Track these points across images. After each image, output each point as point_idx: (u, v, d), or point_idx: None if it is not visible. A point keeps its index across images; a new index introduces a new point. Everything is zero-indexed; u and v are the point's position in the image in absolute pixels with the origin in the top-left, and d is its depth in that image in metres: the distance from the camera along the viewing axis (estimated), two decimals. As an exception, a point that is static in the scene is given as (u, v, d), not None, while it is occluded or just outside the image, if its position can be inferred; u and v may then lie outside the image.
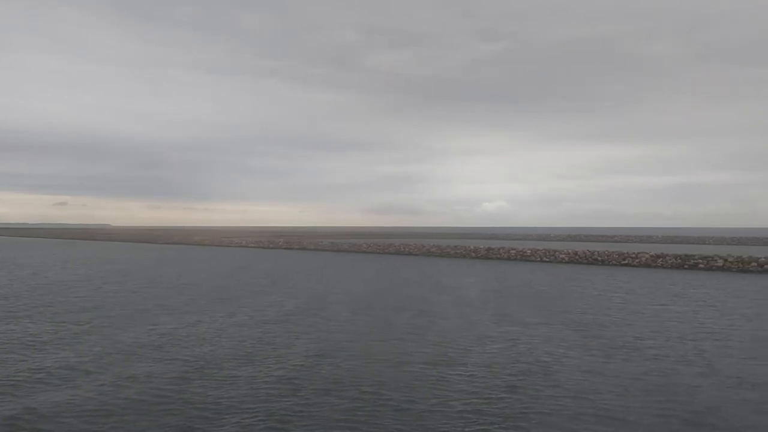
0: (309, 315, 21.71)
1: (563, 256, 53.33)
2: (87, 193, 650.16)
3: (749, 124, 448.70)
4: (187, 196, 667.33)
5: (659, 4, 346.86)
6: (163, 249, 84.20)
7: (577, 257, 52.45)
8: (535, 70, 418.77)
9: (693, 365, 14.18)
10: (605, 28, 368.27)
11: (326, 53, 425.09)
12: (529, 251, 56.61)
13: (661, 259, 47.66)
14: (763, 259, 43.05)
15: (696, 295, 28.52)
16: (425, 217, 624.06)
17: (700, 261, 45.44)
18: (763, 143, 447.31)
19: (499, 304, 24.81)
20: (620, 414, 10.58)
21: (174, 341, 16.68)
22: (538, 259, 54.64)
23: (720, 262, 44.44)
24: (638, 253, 49.93)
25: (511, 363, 14.30)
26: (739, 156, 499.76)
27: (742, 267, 43.12)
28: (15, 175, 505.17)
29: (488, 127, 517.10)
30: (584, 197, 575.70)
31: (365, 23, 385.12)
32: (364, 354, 15.21)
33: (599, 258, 51.04)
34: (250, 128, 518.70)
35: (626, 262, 49.18)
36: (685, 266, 45.73)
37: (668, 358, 14.92)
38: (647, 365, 14.11)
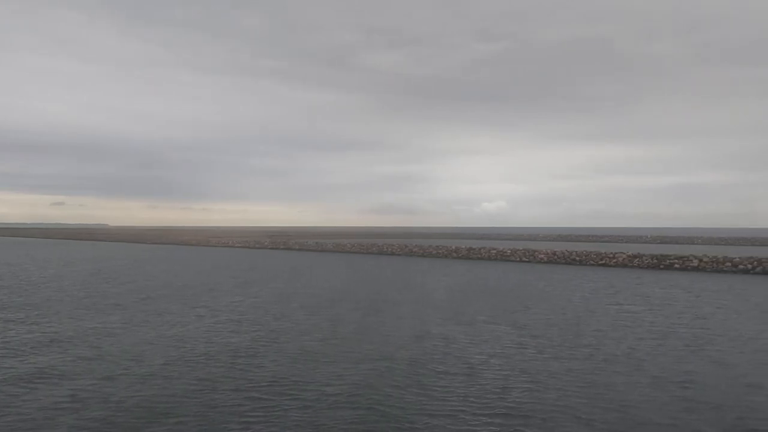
0: (261, 314, 21.67)
1: (542, 256, 53.35)
2: (85, 193, 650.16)
3: (749, 124, 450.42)
4: (186, 196, 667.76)
5: (658, 5, 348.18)
6: (151, 249, 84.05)
7: (555, 257, 52.48)
8: (535, 70, 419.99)
9: (618, 363, 14.18)
10: (604, 28, 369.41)
11: (326, 53, 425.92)
12: (509, 251, 56.64)
13: (637, 259, 47.72)
14: (737, 259, 43.14)
15: (659, 295, 28.55)
16: (425, 217, 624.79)
17: (676, 261, 45.50)
18: (763, 143, 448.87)
19: (456, 304, 24.80)
20: (527, 411, 10.58)
21: (84, 337, 16.74)
22: (518, 259, 54.65)
23: (695, 263, 44.50)
24: (615, 253, 49.99)
25: (435, 362, 14.29)
26: (739, 156, 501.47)
27: (717, 267, 43.18)
28: (14, 175, 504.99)
29: (488, 127, 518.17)
30: (584, 197, 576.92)
31: (365, 23, 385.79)
32: (295, 353, 15.18)
33: (577, 258, 51.08)
34: (249, 128, 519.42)
35: (603, 262, 49.22)
36: (661, 266, 45.79)
37: (596, 357, 14.92)
38: (572, 364, 14.11)
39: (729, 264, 42.97)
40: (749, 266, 41.97)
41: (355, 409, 10.67)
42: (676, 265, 45.08)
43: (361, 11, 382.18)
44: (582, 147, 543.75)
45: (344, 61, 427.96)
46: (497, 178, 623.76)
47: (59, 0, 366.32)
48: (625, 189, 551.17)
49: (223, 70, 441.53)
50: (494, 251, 57.83)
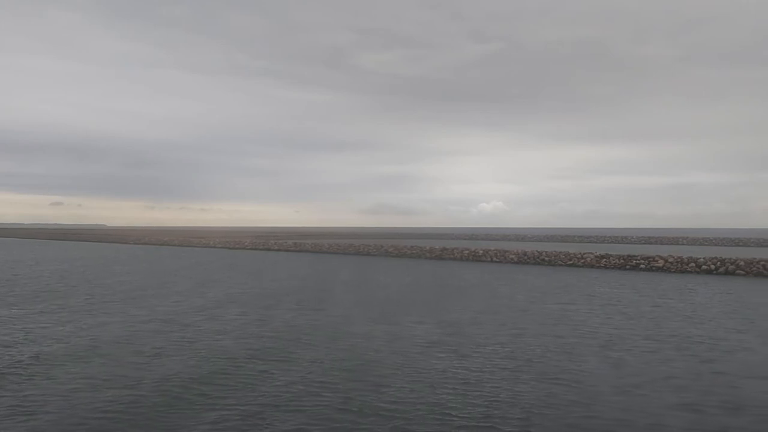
0: (195, 315, 21.58)
1: (513, 256, 53.38)
2: (83, 193, 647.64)
3: (742, 124, 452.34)
4: (183, 196, 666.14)
5: (650, 6, 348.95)
6: (130, 249, 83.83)
7: (526, 257, 52.51)
8: (528, 70, 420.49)
9: (516, 360, 14.17)
10: (597, 29, 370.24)
11: (318, 54, 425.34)
12: (481, 251, 56.65)
13: (605, 260, 47.79)
14: (701, 259, 43.23)
15: (606, 294, 28.57)
16: (421, 218, 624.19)
17: (642, 262, 45.58)
18: (755, 143, 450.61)
19: (397, 303, 24.77)
20: (405, 407, 10.55)
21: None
22: (489, 259, 54.67)
23: (660, 263, 44.57)
24: (584, 253, 50.04)
25: (330, 360, 14.24)
26: (732, 156, 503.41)
27: (681, 268, 43.25)
28: (12, 175, 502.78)
29: (482, 127, 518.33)
30: (579, 198, 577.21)
31: (357, 24, 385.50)
32: (200, 352, 15.15)
33: (546, 258, 51.11)
34: (245, 128, 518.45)
35: (572, 262, 49.27)
36: (627, 267, 45.87)
37: (499, 354, 14.90)
38: (471, 362, 14.08)
39: (693, 264, 43.06)
40: (712, 266, 42.05)
41: (218, 410, 10.62)
42: (642, 266, 45.15)
43: (354, 12, 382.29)
44: (577, 147, 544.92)
45: (338, 62, 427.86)
46: (493, 178, 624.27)
47: (56, 1, 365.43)
48: (620, 189, 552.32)
49: (218, 70, 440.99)
50: (466, 251, 57.83)
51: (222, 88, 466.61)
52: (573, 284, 33.51)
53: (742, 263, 41.15)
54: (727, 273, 40.93)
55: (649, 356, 14.95)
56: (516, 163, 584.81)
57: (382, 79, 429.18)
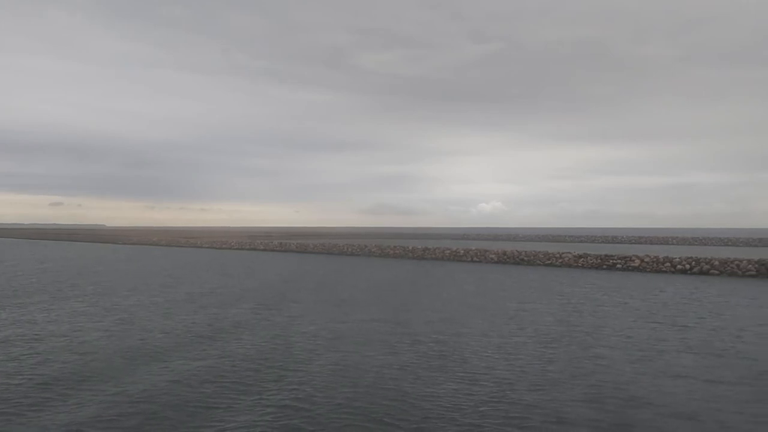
0: (151, 313, 21.56)
1: (493, 256, 53.41)
2: (83, 193, 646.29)
3: (741, 124, 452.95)
4: (182, 196, 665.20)
5: (650, 6, 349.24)
6: (119, 249, 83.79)
7: (505, 257, 52.55)
8: (528, 70, 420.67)
9: (443, 358, 14.15)
10: (595, 29, 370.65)
11: (318, 54, 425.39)
12: (462, 251, 56.67)
13: (582, 259, 47.84)
14: (677, 259, 43.26)
15: (572, 293, 28.55)
16: (420, 218, 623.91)
17: (618, 261, 45.64)
18: (755, 143, 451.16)
19: (355, 303, 24.70)
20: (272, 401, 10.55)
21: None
22: (469, 259, 54.69)
23: (637, 262, 44.63)
24: (562, 253, 50.08)
25: (261, 359, 14.24)
26: (732, 156, 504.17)
27: (656, 267, 43.31)
28: (11, 175, 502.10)
29: (482, 127, 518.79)
30: (579, 197, 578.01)
31: (357, 24, 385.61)
32: (131, 350, 15.14)
33: (525, 258, 51.15)
34: (245, 128, 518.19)
35: (550, 262, 49.31)
36: (604, 266, 45.93)
37: (428, 353, 14.88)
38: (396, 358, 14.06)
39: (668, 264, 43.11)
40: (687, 266, 42.09)
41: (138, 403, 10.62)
42: (618, 266, 45.21)
43: (354, 12, 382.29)
44: (577, 147, 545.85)
45: (338, 62, 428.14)
46: (493, 178, 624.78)
47: (51, 1, 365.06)
48: (620, 189, 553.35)
49: (218, 70, 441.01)
50: (448, 251, 57.85)
51: (222, 88, 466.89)
52: (542, 284, 33.53)
53: (716, 263, 41.20)
54: (701, 273, 40.99)
55: (581, 352, 14.95)
56: (516, 163, 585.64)
57: (382, 79, 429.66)
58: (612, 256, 46.76)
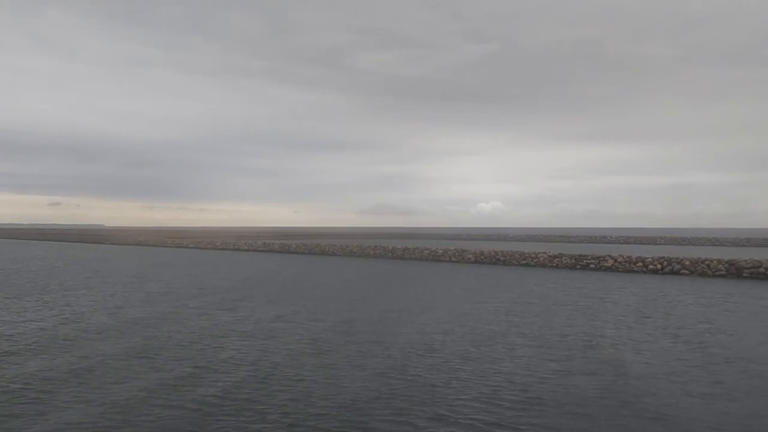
0: (95, 310, 21.53)
1: (470, 256, 53.43)
2: (82, 193, 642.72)
3: (741, 124, 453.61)
4: (181, 196, 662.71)
5: (648, 6, 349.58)
6: (102, 249, 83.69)
7: (482, 257, 52.58)
8: (527, 71, 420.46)
9: (365, 358, 14.16)
10: (595, 29, 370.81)
11: (318, 54, 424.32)
12: (440, 251, 56.69)
13: (557, 259, 47.89)
14: (649, 259, 43.34)
15: (534, 293, 28.57)
16: (420, 218, 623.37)
17: (592, 261, 45.69)
18: (755, 143, 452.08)
19: (312, 302, 24.68)
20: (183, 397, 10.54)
21: None
22: (448, 259, 54.71)
23: (610, 262, 44.69)
24: (538, 253, 50.12)
25: (190, 357, 14.23)
26: (732, 156, 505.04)
27: (628, 267, 43.37)
28: (11, 175, 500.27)
29: (481, 127, 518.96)
30: (579, 197, 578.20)
31: (356, 24, 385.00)
32: (61, 346, 15.12)
33: (502, 258, 51.18)
34: (244, 128, 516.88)
35: (525, 262, 49.35)
36: (578, 266, 45.99)
37: (353, 352, 14.90)
38: (308, 359, 14.07)
39: (640, 264, 43.18)
40: (659, 266, 42.17)
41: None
42: (592, 265, 45.26)
43: (352, 12, 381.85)
44: (576, 147, 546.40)
45: (338, 62, 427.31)
46: (492, 178, 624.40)
47: (50, 1, 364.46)
48: (620, 189, 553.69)
49: (217, 70, 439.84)
50: (427, 251, 57.87)
51: (222, 89, 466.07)
52: (508, 283, 33.57)
53: (687, 263, 41.28)
54: (672, 272, 41.05)
55: (504, 352, 14.96)
56: (516, 163, 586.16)
57: (381, 79, 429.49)
58: (586, 256, 46.82)
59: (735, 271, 38.93)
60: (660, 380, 12.44)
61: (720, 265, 39.81)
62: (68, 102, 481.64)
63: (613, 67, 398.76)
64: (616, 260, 44.71)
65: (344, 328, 18.27)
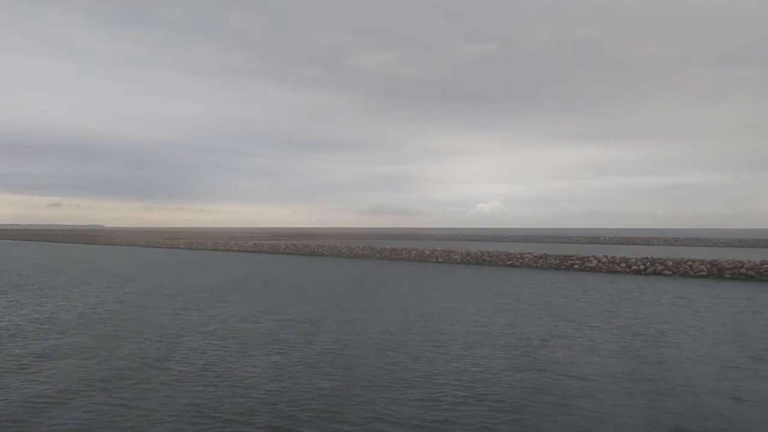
0: (66, 310, 21.60)
1: (456, 256, 53.53)
2: (82, 193, 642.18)
3: (740, 124, 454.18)
4: (181, 197, 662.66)
5: (648, 6, 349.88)
6: (92, 249, 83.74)
7: (468, 257, 52.67)
8: (526, 71, 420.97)
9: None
10: (594, 29, 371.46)
11: (316, 54, 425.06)
12: (427, 252, 56.79)
13: (542, 260, 47.99)
14: (632, 260, 43.45)
15: (509, 294, 28.66)
16: (420, 218, 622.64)
17: (576, 262, 45.80)
18: (755, 143, 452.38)
19: (281, 302, 24.77)
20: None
21: None
22: (434, 259, 54.80)
23: (594, 263, 44.80)
24: (523, 253, 50.22)
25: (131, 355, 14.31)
26: (732, 156, 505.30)
27: (612, 268, 43.48)
28: (10, 176, 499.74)
29: (480, 127, 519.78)
30: (578, 198, 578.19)
31: (356, 25, 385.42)
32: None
33: (488, 258, 51.28)
34: (243, 129, 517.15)
35: (511, 262, 49.45)
36: (562, 267, 46.10)
37: (298, 351, 14.97)
38: (253, 360, 14.16)
39: (624, 265, 43.28)
40: (642, 267, 42.27)
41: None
42: (576, 266, 45.37)
43: (351, 12, 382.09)
44: (576, 147, 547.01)
45: (337, 62, 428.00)
46: (492, 178, 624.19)
47: (49, 2, 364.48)
48: (619, 190, 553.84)
49: (217, 71, 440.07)
50: (414, 252, 57.97)
51: (221, 89, 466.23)
52: (488, 284, 33.65)
53: (670, 263, 41.39)
54: (655, 273, 41.15)
55: (462, 352, 15.03)
56: (515, 163, 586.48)
57: (381, 79, 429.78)
58: (570, 256, 46.93)
59: (717, 272, 39.03)
60: (603, 379, 12.52)
61: (702, 266, 39.91)
62: (68, 102, 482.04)
63: (613, 67, 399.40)
64: (600, 261, 44.82)
65: (308, 329, 18.34)
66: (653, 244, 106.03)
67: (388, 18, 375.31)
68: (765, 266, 37.56)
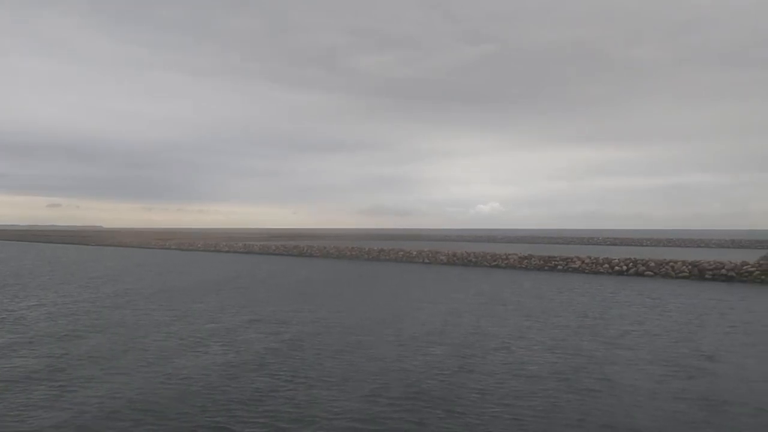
0: (37, 311, 21.69)
1: (443, 257, 53.64)
2: (81, 194, 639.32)
3: (740, 125, 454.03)
4: (180, 197, 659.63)
5: (645, 7, 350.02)
6: (84, 250, 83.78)
7: (455, 258, 52.78)
8: (523, 72, 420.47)
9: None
10: (593, 30, 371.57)
11: (316, 55, 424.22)
12: (414, 253, 56.89)
13: (527, 261, 48.10)
14: (615, 260, 43.57)
15: (490, 293, 28.76)
16: (419, 219, 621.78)
17: (560, 262, 45.91)
18: (755, 144, 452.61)
19: (251, 304, 24.85)
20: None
21: None
22: (421, 260, 54.90)
23: (577, 263, 44.92)
24: (508, 254, 50.35)
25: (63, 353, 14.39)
26: (732, 156, 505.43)
27: (595, 268, 43.60)
28: (10, 176, 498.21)
29: (478, 128, 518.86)
30: (577, 198, 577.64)
31: (354, 26, 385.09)
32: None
33: (473, 259, 51.39)
34: (243, 130, 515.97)
35: (496, 263, 49.55)
36: (546, 267, 46.19)
37: (247, 348, 15.09)
38: (195, 358, 14.26)
39: (607, 265, 43.40)
40: (624, 267, 42.40)
41: None
42: (559, 267, 45.48)
43: (348, 13, 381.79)
44: (575, 148, 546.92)
45: (336, 63, 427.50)
46: (491, 179, 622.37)
47: (49, 2, 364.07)
48: (618, 190, 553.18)
49: (217, 72, 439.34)
50: (401, 252, 58.08)
51: (221, 89, 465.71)
52: (469, 284, 33.74)
53: (652, 264, 41.52)
54: (637, 274, 41.27)
55: (418, 351, 15.14)
56: (514, 164, 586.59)
57: (379, 80, 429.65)
58: (554, 257, 47.04)
59: (698, 273, 39.13)
60: (550, 378, 12.63)
61: (684, 267, 40.03)
62: (68, 102, 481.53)
63: (613, 67, 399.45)
64: (583, 261, 44.94)
65: (272, 329, 18.44)
66: (646, 245, 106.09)
67: (387, 19, 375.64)
68: (745, 267, 37.73)
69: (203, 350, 15.15)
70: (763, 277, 36.41)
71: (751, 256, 50.02)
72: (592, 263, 44.26)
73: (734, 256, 49.83)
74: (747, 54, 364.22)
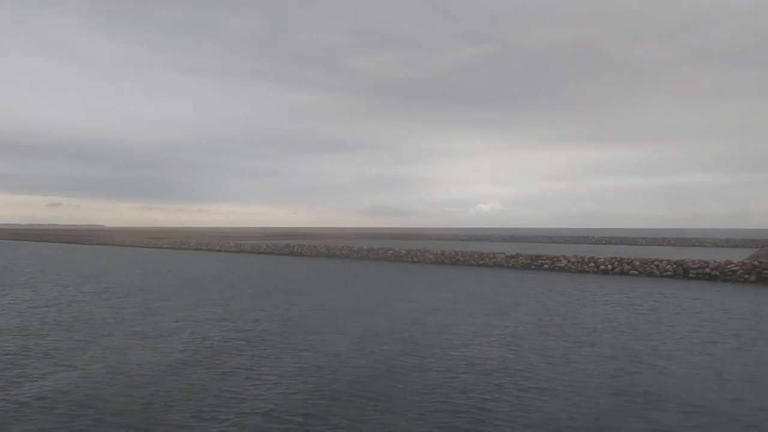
0: (9, 308, 21.74)
1: (431, 256, 53.67)
2: (82, 194, 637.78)
3: (740, 125, 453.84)
4: (180, 197, 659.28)
5: (645, 8, 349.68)
6: (76, 249, 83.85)
7: (443, 257, 52.80)
8: (523, 72, 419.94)
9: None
10: (593, 30, 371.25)
11: (316, 55, 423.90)
12: (403, 252, 56.93)
13: (513, 260, 48.13)
14: (601, 259, 43.59)
15: (471, 292, 28.81)
16: (419, 219, 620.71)
17: (546, 261, 45.94)
18: (755, 144, 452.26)
19: (224, 302, 24.90)
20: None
21: None
22: (409, 259, 54.93)
23: (563, 263, 44.94)
24: (496, 253, 50.37)
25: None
26: (732, 156, 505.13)
27: (581, 267, 43.61)
28: (10, 176, 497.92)
29: (478, 128, 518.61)
30: (578, 198, 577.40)
31: (354, 26, 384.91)
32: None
33: (461, 258, 51.42)
34: (243, 130, 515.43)
35: (483, 262, 49.58)
36: (533, 266, 46.22)
37: (213, 344, 15.12)
38: (149, 355, 14.31)
39: (592, 264, 43.42)
40: (610, 266, 42.41)
41: None
42: (546, 266, 45.50)
43: (348, 13, 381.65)
44: (575, 148, 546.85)
45: (336, 63, 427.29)
46: (491, 179, 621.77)
47: (49, 3, 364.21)
48: (618, 190, 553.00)
49: (216, 72, 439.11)
50: (390, 252, 58.12)
51: (221, 89, 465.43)
52: (452, 283, 33.76)
53: (637, 263, 41.54)
54: (622, 273, 41.28)
55: (375, 347, 15.17)
56: (514, 163, 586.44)
57: (379, 80, 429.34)
58: (541, 256, 47.07)
59: (682, 272, 39.13)
60: (499, 373, 12.66)
61: (668, 266, 40.05)
62: (68, 102, 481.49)
63: (613, 67, 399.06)
64: (569, 261, 44.96)
65: (237, 326, 18.49)
66: (641, 244, 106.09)
67: (387, 19, 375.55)
68: (729, 266, 37.73)
69: (162, 347, 15.20)
70: (746, 275, 36.42)
71: (745, 256, 50.05)
72: (578, 262, 44.27)
73: (728, 256, 49.87)
74: (747, 54, 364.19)
